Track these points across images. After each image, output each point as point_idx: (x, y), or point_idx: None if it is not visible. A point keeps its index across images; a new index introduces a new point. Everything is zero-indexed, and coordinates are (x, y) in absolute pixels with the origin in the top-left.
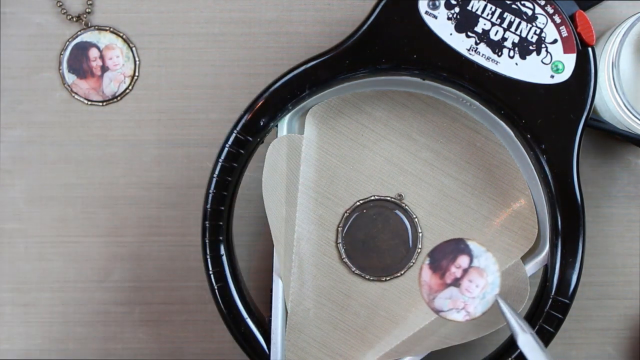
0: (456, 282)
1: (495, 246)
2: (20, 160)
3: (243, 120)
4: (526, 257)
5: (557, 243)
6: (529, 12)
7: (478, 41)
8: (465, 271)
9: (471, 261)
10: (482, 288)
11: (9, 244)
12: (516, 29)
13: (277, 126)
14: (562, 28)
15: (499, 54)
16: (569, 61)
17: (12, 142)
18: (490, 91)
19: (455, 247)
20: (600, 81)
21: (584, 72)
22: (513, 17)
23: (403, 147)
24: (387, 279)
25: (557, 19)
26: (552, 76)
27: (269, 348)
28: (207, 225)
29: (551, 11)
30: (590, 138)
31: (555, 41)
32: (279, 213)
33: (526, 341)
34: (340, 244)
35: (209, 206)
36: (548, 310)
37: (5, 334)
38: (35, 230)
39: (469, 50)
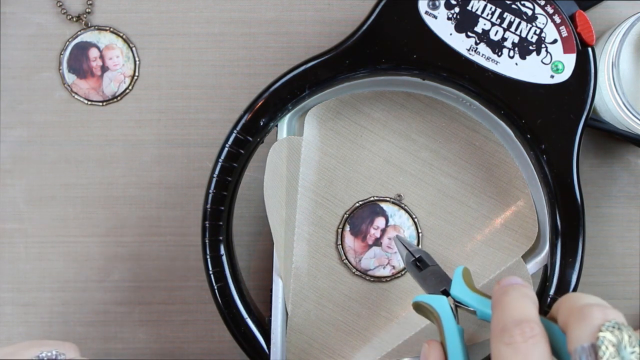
0: (377, 242)
1: (495, 245)
2: (20, 160)
3: (243, 120)
4: (526, 257)
5: (557, 243)
6: (529, 12)
7: (478, 41)
8: (383, 231)
9: (387, 221)
10: None
11: (9, 244)
12: (516, 29)
13: (277, 126)
14: (562, 28)
15: (499, 54)
16: (569, 61)
17: (12, 142)
18: (490, 91)
19: (371, 211)
20: (600, 81)
21: (583, 72)
22: (513, 17)
23: (402, 147)
24: (388, 279)
25: (557, 19)
26: (552, 76)
27: (269, 348)
28: (207, 225)
29: (551, 11)
30: (590, 138)
31: (555, 41)
32: (279, 215)
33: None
34: (340, 246)
35: (209, 206)
36: (548, 310)
37: (5, 334)
38: (35, 230)
39: (469, 50)
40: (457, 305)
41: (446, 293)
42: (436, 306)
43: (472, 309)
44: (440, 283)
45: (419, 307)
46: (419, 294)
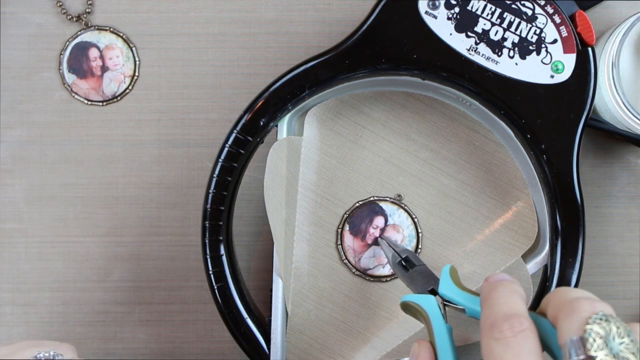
0: (376, 241)
1: (495, 245)
2: (20, 160)
3: (243, 120)
4: (526, 257)
5: (557, 243)
6: (529, 12)
7: (478, 41)
8: (382, 230)
9: (386, 220)
10: (401, 242)
11: (9, 244)
12: (516, 29)
13: (277, 126)
14: (562, 28)
15: (499, 54)
16: (569, 61)
17: (12, 142)
18: (490, 91)
19: (370, 211)
20: (600, 81)
21: (583, 72)
22: (513, 17)
23: (402, 147)
24: (388, 279)
25: (557, 19)
26: (552, 76)
27: (269, 348)
28: (207, 225)
29: (551, 11)
30: (590, 138)
31: (555, 41)
32: (279, 215)
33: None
34: (340, 246)
35: (209, 206)
36: None
37: (5, 334)
38: (35, 230)
39: (469, 50)
40: (446, 304)
41: (434, 292)
42: (424, 306)
43: (460, 307)
44: (427, 282)
45: (407, 307)
46: (407, 294)
